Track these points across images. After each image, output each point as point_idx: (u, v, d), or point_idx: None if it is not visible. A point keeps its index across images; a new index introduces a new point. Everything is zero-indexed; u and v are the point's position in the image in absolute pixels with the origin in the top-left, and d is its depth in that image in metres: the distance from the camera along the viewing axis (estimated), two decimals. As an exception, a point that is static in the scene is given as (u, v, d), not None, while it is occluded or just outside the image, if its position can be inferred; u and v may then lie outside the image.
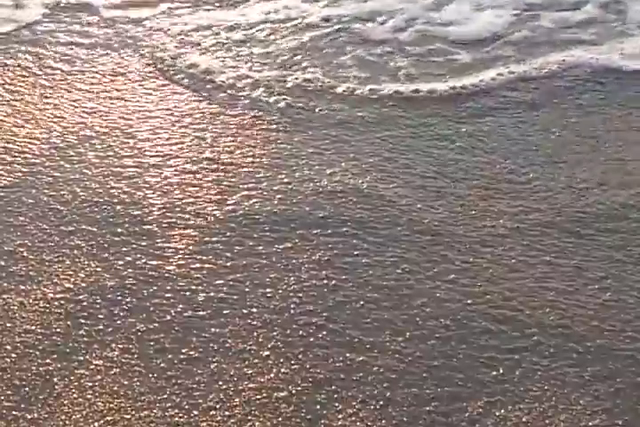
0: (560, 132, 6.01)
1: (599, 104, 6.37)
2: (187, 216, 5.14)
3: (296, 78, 6.67)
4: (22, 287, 4.62)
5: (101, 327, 4.38)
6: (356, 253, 4.88)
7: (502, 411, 3.97)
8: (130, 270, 4.74)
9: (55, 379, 4.10)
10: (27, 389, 4.06)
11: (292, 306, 4.52)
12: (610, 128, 6.07)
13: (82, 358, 4.21)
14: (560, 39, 7.38)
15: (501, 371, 4.16)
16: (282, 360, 4.21)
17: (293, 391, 4.05)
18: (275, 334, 4.36)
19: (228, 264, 4.79)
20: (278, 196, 5.31)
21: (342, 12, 7.83)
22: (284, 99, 6.37)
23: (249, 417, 3.93)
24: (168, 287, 4.63)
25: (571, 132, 6.00)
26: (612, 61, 6.97)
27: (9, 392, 4.03)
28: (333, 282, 4.68)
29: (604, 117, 6.19)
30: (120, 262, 4.79)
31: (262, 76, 6.74)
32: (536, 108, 6.30)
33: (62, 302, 4.53)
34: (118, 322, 4.41)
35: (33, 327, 4.38)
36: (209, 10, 7.89)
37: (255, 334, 4.36)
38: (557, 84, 6.67)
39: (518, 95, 6.46)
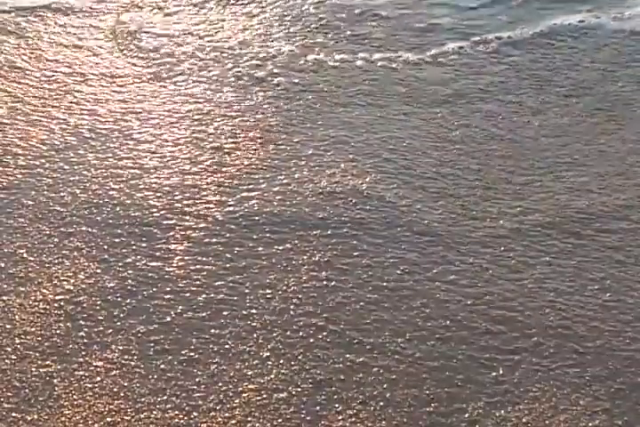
0: (558, 134, 6.01)
1: (593, 89, 6.39)
2: (186, 218, 5.14)
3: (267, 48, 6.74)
4: (22, 289, 4.62)
5: (101, 329, 4.39)
6: (355, 254, 4.88)
7: (502, 412, 3.97)
8: (130, 272, 4.74)
9: (55, 380, 4.10)
10: (27, 390, 4.06)
11: (291, 307, 4.52)
12: (608, 127, 6.08)
13: (82, 360, 4.21)
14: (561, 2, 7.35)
15: (501, 372, 4.16)
16: (282, 361, 4.21)
17: (293, 392, 4.05)
18: (274, 335, 4.36)
19: (228, 265, 4.79)
20: (278, 197, 5.31)
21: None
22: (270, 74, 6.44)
23: (249, 418, 3.93)
24: (168, 289, 4.63)
25: (568, 133, 6.00)
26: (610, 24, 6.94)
27: (9, 394, 4.03)
28: (333, 283, 4.68)
29: (600, 114, 6.20)
30: (120, 264, 4.79)
31: (228, 46, 6.80)
32: (533, 109, 6.31)
33: (62, 303, 4.53)
34: (118, 323, 4.42)
35: (33, 329, 4.38)
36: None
37: (255, 335, 4.36)
38: (546, 48, 6.71)
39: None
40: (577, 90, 6.53)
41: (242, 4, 7.89)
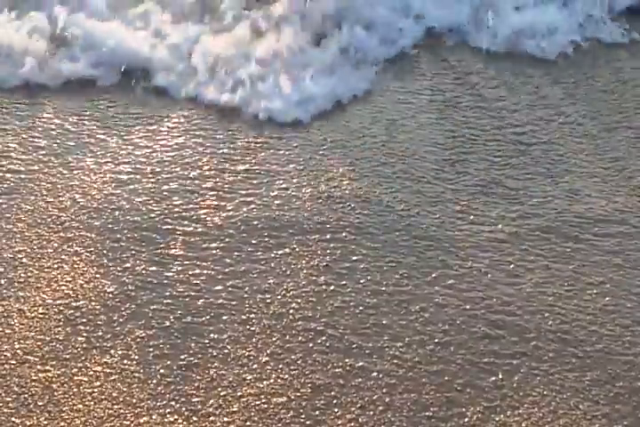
0: (557, 136, 6.02)
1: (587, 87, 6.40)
2: (185, 222, 5.14)
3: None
4: (21, 294, 4.62)
5: (100, 333, 4.39)
6: (354, 258, 4.88)
7: (501, 416, 3.97)
8: (129, 277, 4.74)
9: (54, 385, 4.10)
10: (26, 395, 4.06)
11: (290, 312, 4.52)
12: (607, 128, 6.08)
13: (81, 365, 4.21)
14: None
15: (500, 376, 4.17)
16: (281, 366, 4.21)
17: (292, 397, 4.05)
18: (273, 339, 4.36)
19: (227, 270, 4.79)
20: (276, 201, 5.32)
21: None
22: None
23: (248, 423, 3.94)
24: (167, 293, 4.63)
25: (567, 135, 6.01)
26: None
27: (8, 399, 4.03)
28: (332, 287, 4.68)
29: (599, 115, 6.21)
30: (119, 268, 4.79)
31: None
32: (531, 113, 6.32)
33: (61, 308, 4.53)
34: (117, 328, 4.42)
35: (32, 334, 4.38)
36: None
37: (254, 339, 4.36)
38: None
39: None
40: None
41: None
